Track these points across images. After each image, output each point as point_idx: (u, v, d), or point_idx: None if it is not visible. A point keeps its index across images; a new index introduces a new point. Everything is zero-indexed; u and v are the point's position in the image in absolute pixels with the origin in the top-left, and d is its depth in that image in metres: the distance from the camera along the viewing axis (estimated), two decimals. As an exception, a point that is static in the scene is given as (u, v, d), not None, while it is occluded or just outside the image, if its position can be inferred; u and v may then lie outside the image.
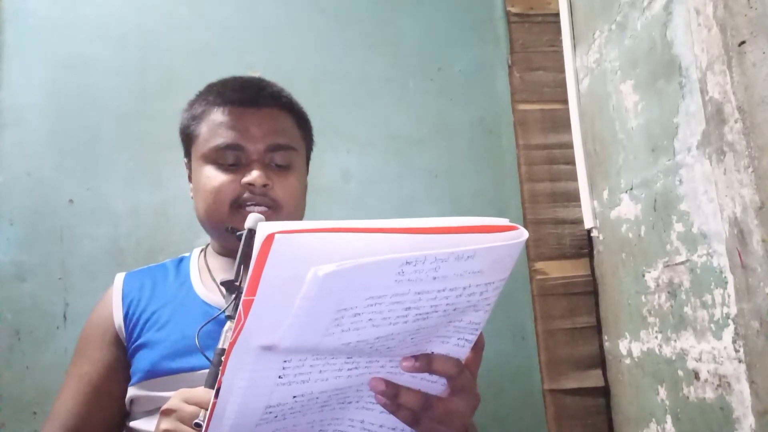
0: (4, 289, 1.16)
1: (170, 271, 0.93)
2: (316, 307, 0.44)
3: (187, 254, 0.97)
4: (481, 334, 0.57)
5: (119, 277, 0.92)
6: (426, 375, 0.55)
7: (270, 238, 0.41)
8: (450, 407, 0.57)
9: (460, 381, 0.56)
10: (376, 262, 0.43)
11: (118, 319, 0.86)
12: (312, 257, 0.42)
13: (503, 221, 0.49)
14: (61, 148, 1.24)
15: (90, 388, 0.84)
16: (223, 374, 0.47)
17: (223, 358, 0.47)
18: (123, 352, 0.85)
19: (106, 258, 1.20)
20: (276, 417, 0.52)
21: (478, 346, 0.57)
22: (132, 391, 0.81)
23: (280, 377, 0.49)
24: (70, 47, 1.28)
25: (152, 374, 0.80)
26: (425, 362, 0.53)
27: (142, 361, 0.81)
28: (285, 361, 0.48)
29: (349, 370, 0.52)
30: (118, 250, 1.21)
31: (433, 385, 0.56)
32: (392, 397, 0.54)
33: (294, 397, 0.51)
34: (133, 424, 0.82)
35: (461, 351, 0.55)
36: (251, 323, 0.44)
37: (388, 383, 0.54)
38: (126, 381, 0.83)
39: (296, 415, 0.53)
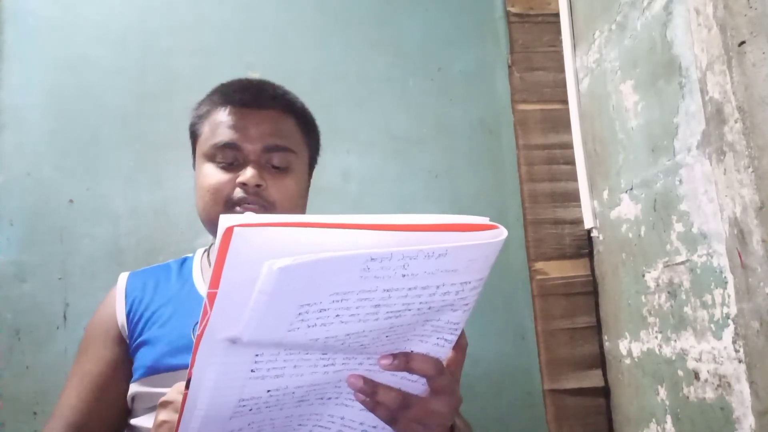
0: (4, 289, 1.15)
1: (173, 270, 0.94)
2: (274, 301, 0.43)
3: (190, 254, 0.98)
4: (463, 333, 0.55)
5: (123, 277, 0.93)
6: (406, 374, 0.54)
7: (229, 231, 0.40)
8: (429, 407, 0.56)
9: (440, 381, 0.55)
10: (337, 257, 0.42)
11: (121, 317, 0.87)
12: (272, 251, 0.41)
13: (483, 220, 0.47)
14: (61, 148, 1.23)
15: (93, 386, 0.85)
16: (192, 366, 0.46)
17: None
18: (125, 349, 0.86)
19: (106, 258, 1.19)
20: (251, 410, 0.51)
21: (460, 346, 0.56)
22: (134, 388, 0.82)
23: (252, 371, 0.48)
24: (70, 47, 1.28)
25: (153, 371, 0.80)
26: (403, 360, 0.52)
27: (143, 358, 0.82)
28: (257, 355, 0.47)
29: (325, 366, 0.51)
30: (118, 250, 1.20)
31: (414, 384, 0.55)
32: (370, 394, 0.53)
33: (268, 391, 0.50)
34: (134, 421, 0.82)
35: (441, 351, 0.54)
36: (216, 316, 0.44)
37: (366, 380, 0.53)
38: (128, 378, 0.84)
39: (272, 409, 0.52)
